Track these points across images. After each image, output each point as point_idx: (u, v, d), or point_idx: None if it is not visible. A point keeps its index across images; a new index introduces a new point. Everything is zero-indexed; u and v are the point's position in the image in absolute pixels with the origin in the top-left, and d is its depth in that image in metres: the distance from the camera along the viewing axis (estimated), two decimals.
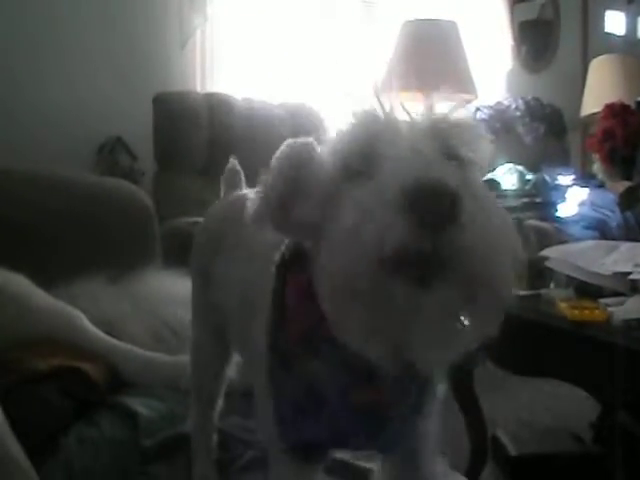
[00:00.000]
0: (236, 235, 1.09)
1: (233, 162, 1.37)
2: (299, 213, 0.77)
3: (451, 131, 0.75)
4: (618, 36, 5.57)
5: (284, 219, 0.79)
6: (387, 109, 0.76)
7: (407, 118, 0.76)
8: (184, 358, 1.50)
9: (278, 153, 0.85)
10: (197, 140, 3.39)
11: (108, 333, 1.52)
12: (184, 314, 1.74)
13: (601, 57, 4.66)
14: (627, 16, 5.67)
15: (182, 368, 1.45)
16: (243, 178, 1.37)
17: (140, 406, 1.29)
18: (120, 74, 3.53)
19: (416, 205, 0.62)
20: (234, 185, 1.35)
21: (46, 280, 1.59)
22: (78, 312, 1.52)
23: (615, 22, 5.61)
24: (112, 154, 3.42)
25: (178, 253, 2.24)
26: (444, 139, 0.74)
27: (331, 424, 0.82)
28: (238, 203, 1.16)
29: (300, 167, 0.81)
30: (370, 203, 0.65)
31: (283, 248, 0.87)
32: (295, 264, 0.84)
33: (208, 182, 3.38)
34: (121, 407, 1.30)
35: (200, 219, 2.84)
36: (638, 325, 1.71)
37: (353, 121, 0.77)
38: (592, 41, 5.36)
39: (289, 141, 0.86)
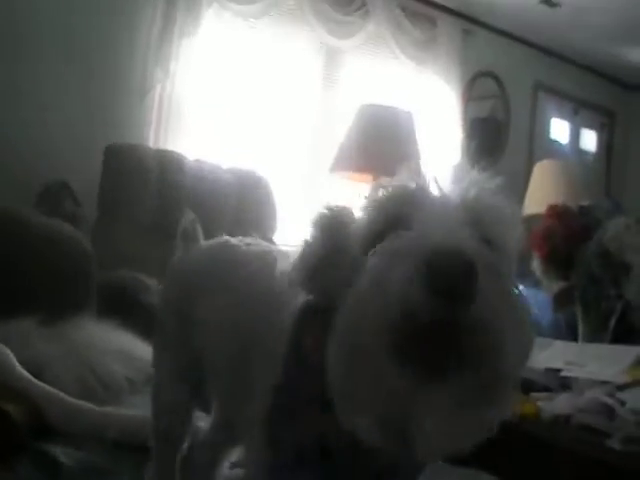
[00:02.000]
0: (224, 280, 1.08)
1: (190, 214, 1.36)
2: (330, 279, 0.76)
3: (485, 213, 0.73)
4: (562, 144, 5.83)
5: (316, 283, 0.79)
6: (419, 183, 0.76)
7: (439, 193, 0.75)
8: (111, 409, 1.46)
9: (319, 217, 0.83)
10: (143, 195, 3.36)
11: (36, 376, 1.47)
12: (114, 366, 1.71)
13: (545, 161, 4.85)
14: (571, 125, 5.95)
15: (109, 419, 1.41)
16: (200, 229, 1.35)
17: (63, 455, 1.24)
18: (75, 118, 3.51)
19: (431, 272, 0.60)
20: (194, 236, 1.33)
21: None
22: (6, 350, 1.47)
23: (560, 130, 5.87)
24: (56, 197, 3.36)
25: (114, 305, 2.21)
26: (477, 220, 0.71)
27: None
28: (222, 248, 1.20)
29: (338, 233, 0.80)
30: (384, 269, 0.64)
31: (301, 302, 0.85)
32: (313, 319, 0.81)
33: (150, 238, 3.35)
34: (42, 454, 1.25)
35: (139, 274, 2.84)
36: (566, 420, 1.74)
37: (384, 191, 0.78)
38: (537, 145, 5.60)
39: (329, 206, 0.84)
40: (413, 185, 0.76)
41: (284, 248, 1.11)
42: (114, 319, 1.94)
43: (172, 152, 3.59)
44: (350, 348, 0.65)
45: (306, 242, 0.82)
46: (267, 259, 1.05)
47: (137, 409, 1.52)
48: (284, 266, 0.85)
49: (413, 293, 0.60)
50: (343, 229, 0.80)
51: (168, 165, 3.46)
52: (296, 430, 0.79)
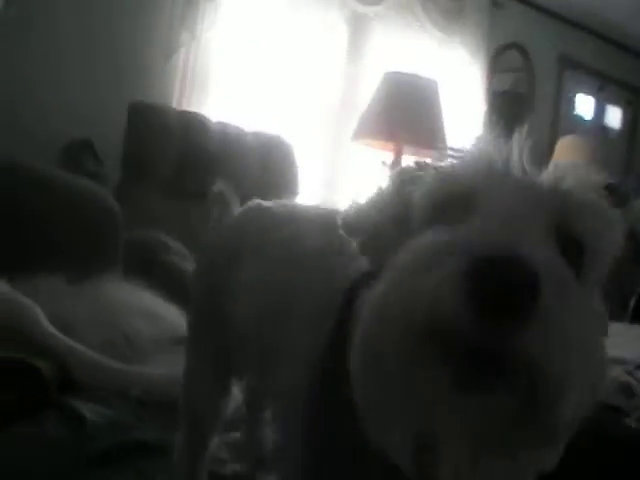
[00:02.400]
0: (262, 241, 1.00)
1: (221, 183, 1.33)
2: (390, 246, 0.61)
3: (575, 208, 0.61)
4: (586, 119, 5.77)
5: (376, 245, 0.68)
6: (500, 159, 0.64)
7: (522, 176, 0.63)
8: (137, 368, 1.48)
9: (400, 170, 0.72)
10: (166, 156, 3.37)
11: (63, 333, 1.49)
12: (140, 325, 1.73)
13: (568, 137, 4.81)
14: (596, 101, 5.88)
15: (134, 377, 1.43)
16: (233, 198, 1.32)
17: (88, 410, 1.26)
18: (99, 77, 3.52)
19: (474, 281, 0.48)
20: (226, 204, 1.30)
21: (5, 272, 1.56)
22: (35, 306, 1.49)
23: (585, 106, 5.81)
24: (79, 155, 3.37)
25: (135, 264, 2.23)
26: (565, 217, 0.60)
27: None
28: (256, 212, 1.15)
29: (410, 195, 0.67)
30: (416, 268, 0.53)
31: (356, 272, 0.75)
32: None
33: (171, 199, 3.37)
34: (68, 409, 1.27)
35: (160, 235, 2.86)
36: None
37: (456, 161, 0.66)
38: (561, 120, 5.54)
39: (408, 164, 0.72)
40: (494, 157, 0.64)
41: (325, 207, 1.04)
42: (136, 279, 1.95)
43: (196, 114, 3.59)
44: (371, 356, 0.55)
45: (377, 193, 0.71)
46: (309, 219, 0.99)
47: (161, 367, 1.54)
48: (332, 226, 0.75)
49: (448, 306, 0.49)
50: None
51: (192, 127, 3.47)
52: (329, 422, 0.69)
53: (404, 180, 0.70)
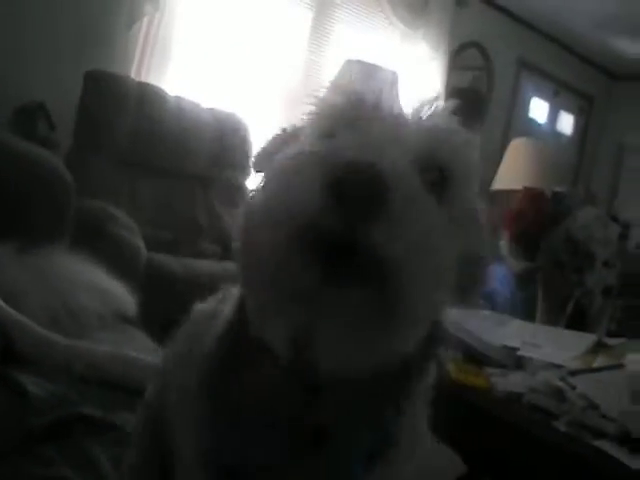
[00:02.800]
0: None
1: None
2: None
3: (438, 135, 0.70)
4: (539, 123, 5.88)
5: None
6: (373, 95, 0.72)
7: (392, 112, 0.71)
8: (81, 343, 1.48)
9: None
10: (120, 126, 3.34)
11: (5, 302, 1.47)
12: (85, 299, 1.72)
13: (520, 139, 4.90)
14: (550, 106, 6.00)
15: (78, 353, 1.42)
16: None
17: (30, 384, 1.25)
18: (59, 42, 3.46)
19: (339, 181, 0.56)
20: None
21: None
22: None
23: (539, 110, 5.92)
24: (30, 119, 3.31)
25: (81, 235, 2.20)
26: (428, 144, 0.68)
27: (267, 446, 0.72)
28: None
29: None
30: (294, 169, 0.61)
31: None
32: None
33: (122, 170, 3.34)
34: (10, 380, 1.26)
35: (108, 206, 2.82)
36: (517, 398, 1.80)
37: (335, 93, 0.75)
38: (515, 122, 5.64)
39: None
40: (361, 97, 0.72)
41: None
42: (83, 250, 1.93)
43: (153, 86, 3.56)
44: (251, 259, 0.62)
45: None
46: None
47: (105, 344, 1.54)
48: None
49: (314, 204, 0.57)
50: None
51: (148, 98, 3.44)
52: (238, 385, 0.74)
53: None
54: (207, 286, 2.87)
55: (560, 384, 1.76)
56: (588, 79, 6.28)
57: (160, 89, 3.54)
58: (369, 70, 3.72)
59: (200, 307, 0.96)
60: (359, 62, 3.76)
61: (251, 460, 0.75)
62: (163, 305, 2.35)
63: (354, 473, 0.74)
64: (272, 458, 0.73)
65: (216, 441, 0.75)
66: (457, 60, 5.20)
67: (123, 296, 1.86)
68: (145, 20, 3.66)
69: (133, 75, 3.66)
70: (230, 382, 0.75)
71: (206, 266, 3.05)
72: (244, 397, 0.74)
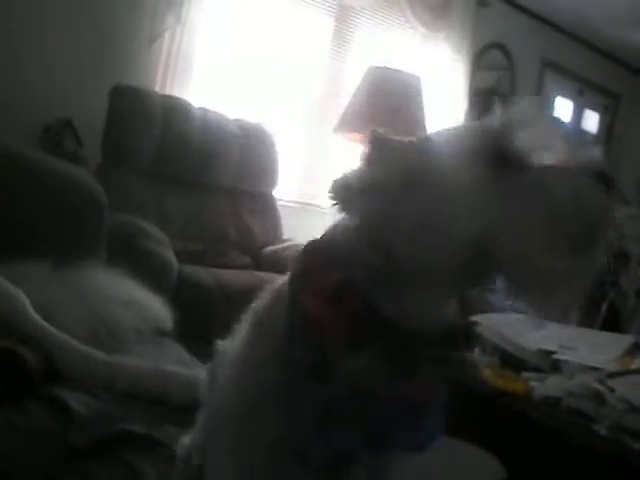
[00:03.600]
0: None
1: None
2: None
3: None
4: (564, 122, 5.83)
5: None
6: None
7: None
8: (121, 359, 1.49)
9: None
10: (147, 139, 3.36)
11: (45, 320, 1.49)
12: (122, 314, 1.73)
13: None
14: (575, 105, 5.96)
15: (118, 369, 1.43)
16: None
17: (73, 400, 1.26)
18: (83, 58, 3.49)
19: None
20: None
21: None
22: (21, 293, 1.48)
23: (563, 109, 5.88)
24: (58, 135, 3.35)
25: (114, 250, 2.22)
26: None
27: (371, 425, 0.80)
28: None
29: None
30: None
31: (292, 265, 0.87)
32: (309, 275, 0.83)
33: (150, 184, 3.36)
34: (53, 399, 1.27)
35: (139, 220, 2.85)
36: (555, 403, 1.79)
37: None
38: None
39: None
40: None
41: None
42: (115, 265, 1.95)
43: (178, 99, 3.59)
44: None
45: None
46: None
47: (144, 358, 1.55)
48: None
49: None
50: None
51: (173, 111, 3.46)
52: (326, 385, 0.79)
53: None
54: (238, 297, 2.88)
55: (599, 387, 1.75)
56: (613, 76, 6.23)
57: (185, 101, 3.56)
58: (393, 76, 3.72)
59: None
60: (382, 68, 3.76)
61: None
62: (196, 317, 2.37)
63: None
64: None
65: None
66: (480, 61, 5.19)
67: (159, 309, 1.87)
68: (168, 33, 3.68)
69: (158, 89, 3.69)
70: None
71: (236, 276, 3.06)
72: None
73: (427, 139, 0.84)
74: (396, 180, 0.79)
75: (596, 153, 0.79)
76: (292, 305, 0.82)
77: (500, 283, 0.80)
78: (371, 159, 0.83)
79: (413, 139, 0.85)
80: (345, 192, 0.82)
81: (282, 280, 0.89)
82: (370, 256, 0.79)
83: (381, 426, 0.81)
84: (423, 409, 0.83)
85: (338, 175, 0.84)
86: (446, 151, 0.81)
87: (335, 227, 0.86)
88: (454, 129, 0.84)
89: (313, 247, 0.87)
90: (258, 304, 0.90)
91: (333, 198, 0.83)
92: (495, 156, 0.77)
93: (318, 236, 0.89)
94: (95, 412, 1.25)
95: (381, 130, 0.86)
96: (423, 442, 0.86)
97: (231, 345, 0.92)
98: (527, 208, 0.75)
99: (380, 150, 0.83)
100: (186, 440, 1.08)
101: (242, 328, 0.91)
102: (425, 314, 0.81)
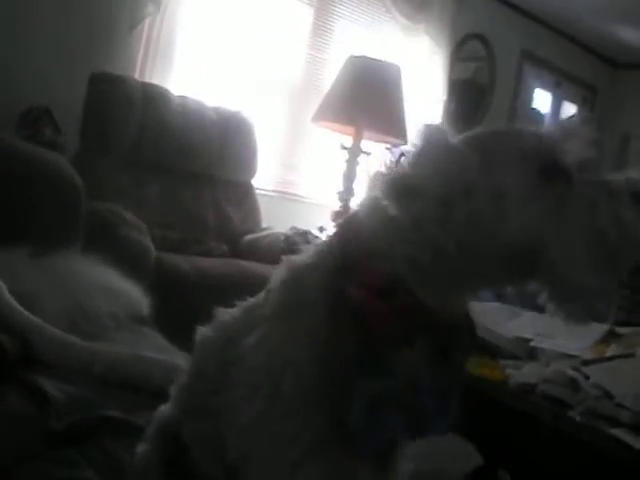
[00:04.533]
0: None
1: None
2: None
3: None
4: (542, 114, 5.88)
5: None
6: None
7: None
8: (99, 345, 1.49)
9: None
10: (126, 127, 3.34)
11: (22, 306, 1.48)
12: (99, 301, 1.73)
13: None
14: (553, 97, 6.00)
15: (96, 354, 1.43)
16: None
17: (51, 387, 1.26)
18: (62, 45, 3.45)
19: None
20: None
21: None
22: None
23: (542, 101, 5.92)
24: (36, 122, 3.31)
25: (92, 238, 2.21)
26: None
27: (414, 412, 0.83)
28: None
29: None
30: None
31: (323, 257, 0.86)
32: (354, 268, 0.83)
33: (129, 170, 3.34)
34: (31, 385, 1.27)
35: (117, 207, 2.84)
36: (531, 389, 1.81)
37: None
38: (519, 113, 5.63)
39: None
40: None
41: None
42: (94, 252, 1.94)
43: (158, 86, 3.56)
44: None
45: (431, 157, 0.83)
46: None
47: (122, 345, 1.55)
48: None
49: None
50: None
51: (153, 99, 3.44)
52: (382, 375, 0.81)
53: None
54: (217, 284, 2.88)
55: (574, 374, 1.77)
56: (591, 69, 6.28)
57: (164, 89, 3.54)
58: (372, 65, 3.72)
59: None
60: (362, 57, 3.76)
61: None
62: (174, 304, 2.37)
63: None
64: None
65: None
66: (459, 52, 5.20)
67: (137, 297, 1.87)
68: (147, 21, 3.66)
69: (137, 76, 3.67)
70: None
71: (215, 264, 3.06)
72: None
73: (480, 139, 0.87)
74: (455, 187, 0.80)
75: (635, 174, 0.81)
76: (337, 297, 0.82)
77: (533, 285, 0.85)
78: (426, 155, 0.83)
79: (465, 137, 0.87)
80: (401, 192, 0.81)
81: (293, 269, 0.88)
82: (419, 253, 0.81)
83: (422, 412, 0.84)
84: (453, 394, 0.87)
85: (385, 169, 0.85)
86: (500, 154, 0.83)
87: (371, 218, 0.86)
88: (506, 132, 0.88)
89: (350, 235, 0.87)
90: (279, 297, 0.87)
91: (386, 195, 0.81)
92: (549, 164, 0.81)
93: (348, 223, 0.90)
94: (73, 398, 1.25)
95: (434, 123, 0.87)
96: (449, 425, 0.90)
97: (249, 344, 0.86)
98: (573, 220, 0.79)
99: (436, 147, 0.84)
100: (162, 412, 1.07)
101: (256, 323, 0.88)
102: (460, 306, 0.87)
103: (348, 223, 0.90)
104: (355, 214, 0.90)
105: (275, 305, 0.87)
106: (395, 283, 0.81)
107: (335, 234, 0.90)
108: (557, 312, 0.83)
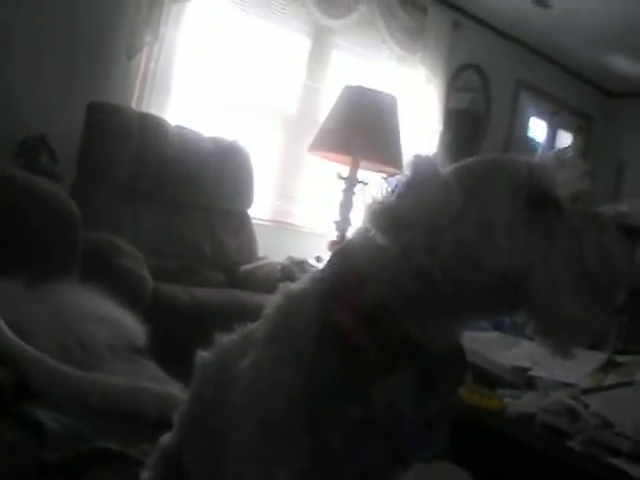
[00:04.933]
0: None
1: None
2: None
3: None
4: (538, 142, 5.91)
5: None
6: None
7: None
8: (94, 376, 1.47)
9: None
10: (123, 157, 3.35)
11: (18, 337, 1.47)
12: (96, 331, 1.72)
13: None
14: (549, 126, 6.04)
15: (92, 385, 1.42)
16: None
17: (47, 418, 1.25)
18: (59, 74, 3.47)
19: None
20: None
21: None
22: None
23: (538, 129, 5.96)
24: (33, 151, 3.32)
25: (89, 268, 2.21)
26: None
27: (395, 442, 0.83)
28: None
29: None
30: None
31: (316, 283, 0.87)
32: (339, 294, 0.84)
33: (126, 201, 3.35)
34: (26, 415, 1.25)
35: (115, 238, 2.83)
36: (530, 419, 1.79)
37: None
38: (515, 142, 5.67)
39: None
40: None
41: None
42: (90, 282, 1.93)
43: (155, 116, 3.58)
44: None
45: (419, 189, 0.83)
46: None
47: (118, 375, 1.54)
48: None
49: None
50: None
51: (150, 129, 3.46)
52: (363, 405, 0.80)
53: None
54: (213, 315, 2.87)
55: (573, 403, 1.76)
56: (586, 98, 6.33)
57: (161, 119, 3.56)
58: (369, 96, 3.74)
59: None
60: (358, 87, 3.78)
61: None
62: (171, 335, 2.36)
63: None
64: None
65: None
66: (455, 82, 5.24)
67: (133, 327, 1.86)
68: (145, 51, 3.69)
69: (134, 106, 3.69)
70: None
71: (212, 294, 3.06)
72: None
73: (470, 168, 0.87)
74: (441, 218, 0.81)
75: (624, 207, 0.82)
76: (324, 321, 0.83)
77: (519, 316, 0.84)
78: (413, 186, 0.83)
79: (456, 166, 0.88)
80: (390, 223, 0.81)
81: (288, 295, 0.89)
82: (406, 280, 0.81)
83: (404, 442, 0.84)
84: (437, 426, 0.86)
85: (374, 200, 0.84)
86: (489, 184, 0.83)
87: (363, 246, 0.86)
88: (496, 161, 0.88)
89: (342, 262, 0.88)
90: (273, 322, 0.88)
91: (375, 226, 0.82)
92: (538, 194, 0.81)
93: (344, 249, 0.90)
94: (67, 429, 1.24)
95: (423, 154, 0.86)
96: (432, 456, 0.89)
97: (242, 367, 0.88)
98: (558, 251, 0.79)
99: (424, 178, 0.84)
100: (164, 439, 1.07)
101: (251, 347, 0.88)
102: (447, 336, 0.86)
103: (341, 251, 0.90)
104: (349, 242, 0.90)
105: (268, 329, 0.88)
106: (381, 310, 0.81)
107: (328, 261, 0.90)
108: (543, 345, 0.82)
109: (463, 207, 0.81)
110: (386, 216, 0.81)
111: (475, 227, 0.80)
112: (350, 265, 0.86)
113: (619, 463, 1.56)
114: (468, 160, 0.89)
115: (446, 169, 0.87)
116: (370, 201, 0.84)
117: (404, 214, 0.81)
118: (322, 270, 0.90)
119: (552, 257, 0.79)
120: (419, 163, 0.84)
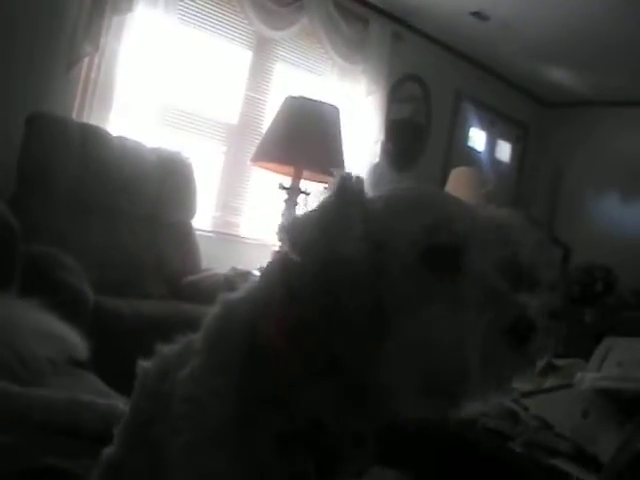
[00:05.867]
0: None
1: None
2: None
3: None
4: (478, 152, 6.02)
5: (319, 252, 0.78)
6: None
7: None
8: (36, 391, 1.45)
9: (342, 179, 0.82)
10: (64, 169, 3.30)
11: None
12: (36, 346, 1.69)
13: (460, 168, 5.00)
14: (488, 136, 6.16)
15: (33, 400, 1.39)
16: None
17: None
18: None
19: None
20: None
21: None
22: None
23: (477, 139, 6.07)
24: None
25: (29, 281, 2.17)
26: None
27: (323, 452, 0.82)
28: None
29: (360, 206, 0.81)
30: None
31: (252, 292, 0.87)
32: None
33: (67, 213, 3.30)
34: None
35: (55, 251, 2.79)
36: (472, 423, 1.82)
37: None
38: (455, 151, 5.76)
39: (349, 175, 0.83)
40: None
41: None
42: (29, 296, 1.90)
43: (96, 127, 3.54)
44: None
45: (321, 213, 0.80)
46: None
47: (60, 390, 1.51)
48: None
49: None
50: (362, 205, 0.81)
51: (91, 140, 3.41)
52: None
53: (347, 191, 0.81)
54: (155, 327, 2.84)
55: (513, 406, 1.79)
56: (523, 108, 6.48)
57: (103, 130, 3.52)
58: (311, 106, 3.75)
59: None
60: (300, 98, 3.79)
61: None
62: (113, 348, 2.33)
63: None
64: None
65: None
66: (396, 93, 5.31)
67: (74, 341, 1.83)
68: (85, 61, 3.65)
69: (75, 117, 3.64)
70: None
71: (155, 307, 3.03)
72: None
73: (388, 200, 0.83)
74: (351, 240, 0.77)
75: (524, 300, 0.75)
76: (254, 331, 0.82)
77: None
78: (328, 205, 0.81)
79: (383, 194, 0.85)
80: (298, 237, 0.80)
81: (225, 304, 0.88)
82: (322, 296, 0.78)
83: (332, 454, 0.83)
84: (364, 439, 0.85)
85: (288, 217, 0.83)
86: (397, 221, 0.79)
87: (289, 260, 0.83)
88: (418, 196, 0.84)
89: (275, 273, 0.87)
90: (208, 330, 0.88)
91: (284, 240, 0.81)
92: (437, 248, 0.76)
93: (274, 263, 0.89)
94: (11, 446, 1.21)
95: (348, 173, 0.83)
96: (366, 469, 0.89)
97: (180, 376, 0.87)
98: (437, 313, 0.74)
99: (331, 202, 0.81)
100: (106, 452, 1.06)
101: (190, 356, 0.88)
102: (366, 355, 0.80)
103: (277, 260, 0.90)
104: (285, 252, 0.90)
105: (205, 337, 0.87)
106: (300, 324, 0.80)
107: (264, 270, 0.91)
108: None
109: (364, 237, 0.77)
110: (293, 229, 0.81)
111: (366, 266, 0.76)
112: (281, 276, 0.85)
113: (559, 463, 1.61)
114: (399, 188, 0.87)
115: (372, 193, 0.84)
116: (283, 217, 0.83)
117: (306, 238, 0.79)
118: (259, 279, 0.90)
119: (416, 323, 0.74)
120: (340, 184, 0.82)
